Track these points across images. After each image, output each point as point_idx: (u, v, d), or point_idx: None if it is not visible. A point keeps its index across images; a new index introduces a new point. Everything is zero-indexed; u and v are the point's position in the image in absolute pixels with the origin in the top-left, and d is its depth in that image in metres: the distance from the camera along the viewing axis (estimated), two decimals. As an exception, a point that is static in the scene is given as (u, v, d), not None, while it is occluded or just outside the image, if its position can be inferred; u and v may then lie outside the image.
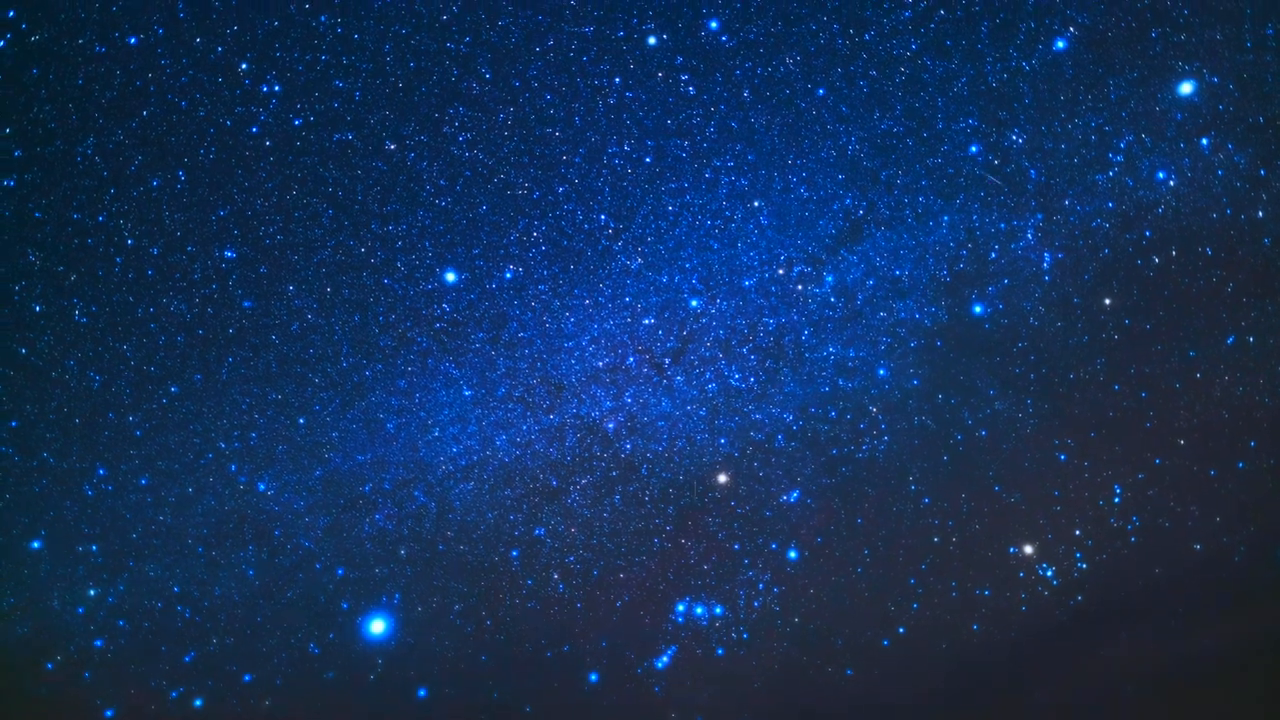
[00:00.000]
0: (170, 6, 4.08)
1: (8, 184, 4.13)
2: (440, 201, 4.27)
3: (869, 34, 4.17)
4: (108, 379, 4.26)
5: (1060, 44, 4.15)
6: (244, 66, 4.13)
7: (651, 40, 4.17)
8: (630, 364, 4.38)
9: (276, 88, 4.15)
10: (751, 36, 4.17)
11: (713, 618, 4.30)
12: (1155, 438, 4.33)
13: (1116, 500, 4.32)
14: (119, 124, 4.14)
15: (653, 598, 4.33)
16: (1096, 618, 4.30)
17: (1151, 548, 4.33)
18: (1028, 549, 4.32)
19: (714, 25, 4.16)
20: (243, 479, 4.34)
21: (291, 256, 4.26)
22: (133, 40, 4.09)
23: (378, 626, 4.31)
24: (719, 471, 4.36)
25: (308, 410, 4.34)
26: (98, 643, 4.34)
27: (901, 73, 4.19)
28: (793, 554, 4.31)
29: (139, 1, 4.08)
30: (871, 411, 4.31)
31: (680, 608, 4.32)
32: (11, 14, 4.03)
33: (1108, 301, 4.27)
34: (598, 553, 4.33)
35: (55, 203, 4.18)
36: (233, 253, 4.25)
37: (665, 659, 4.30)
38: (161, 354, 4.26)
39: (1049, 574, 4.30)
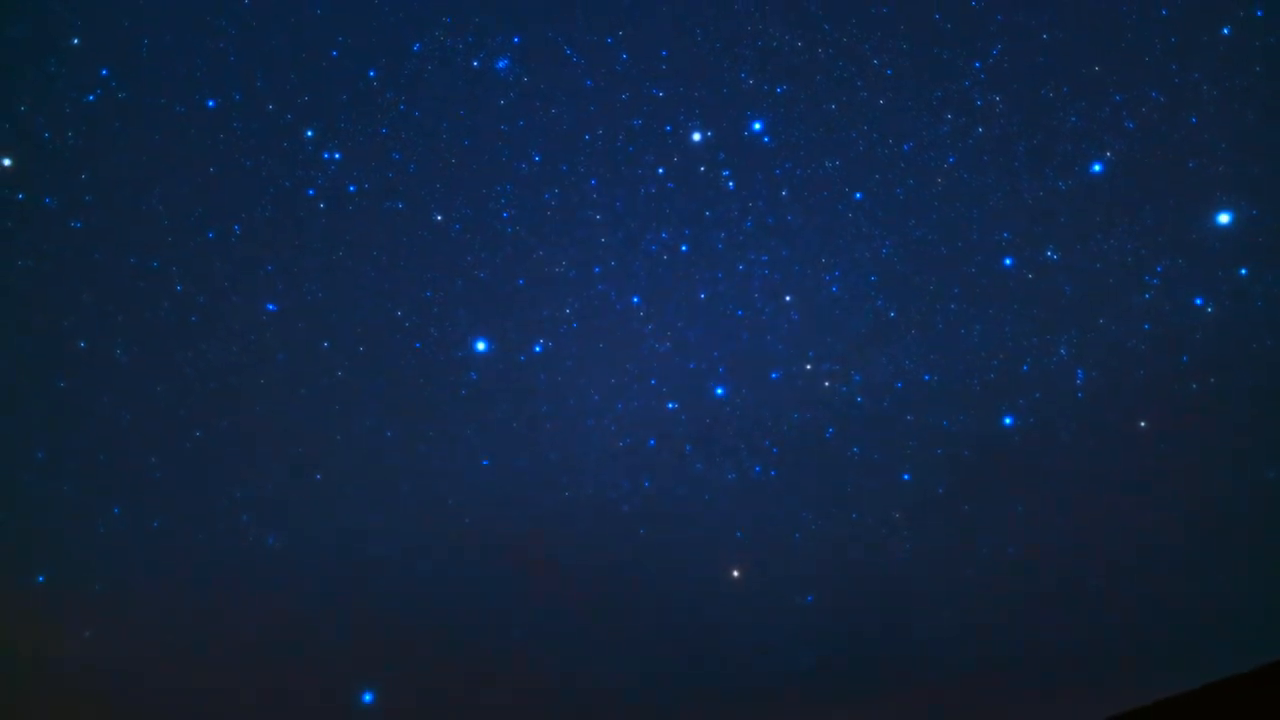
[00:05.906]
0: (250, 75, 4.36)
1: (74, 225, 4.35)
2: (479, 273, 4.39)
3: (908, 145, 4.29)
4: (137, 418, 4.33)
5: (1097, 167, 4.22)
6: (309, 134, 4.36)
7: (696, 136, 4.33)
8: (651, 446, 4.34)
9: (337, 155, 4.36)
10: (794, 139, 4.32)
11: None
12: (1192, 567, 4.13)
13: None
14: (186, 179, 4.38)
15: (654, 691, 4.14)
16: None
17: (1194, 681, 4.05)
18: (1056, 673, 4.07)
19: (757, 126, 4.32)
20: (252, 531, 4.32)
21: (330, 315, 4.38)
22: (211, 103, 4.36)
23: (367, 697, 4.16)
24: (733, 566, 4.24)
25: (325, 467, 4.35)
26: (88, 686, 4.24)
27: (938, 183, 4.29)
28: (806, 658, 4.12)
29: (222, 69, 4.37)
30: (894, 517, 4.20)
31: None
32: (104, 72, 4.34)
33: (1143, 424, 4.17)
34: (600, 639, 4.19)
35: (116, 247, 4.37)
36: (274, 306, 4.38)
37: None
38: (193, 398, 4.34)
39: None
